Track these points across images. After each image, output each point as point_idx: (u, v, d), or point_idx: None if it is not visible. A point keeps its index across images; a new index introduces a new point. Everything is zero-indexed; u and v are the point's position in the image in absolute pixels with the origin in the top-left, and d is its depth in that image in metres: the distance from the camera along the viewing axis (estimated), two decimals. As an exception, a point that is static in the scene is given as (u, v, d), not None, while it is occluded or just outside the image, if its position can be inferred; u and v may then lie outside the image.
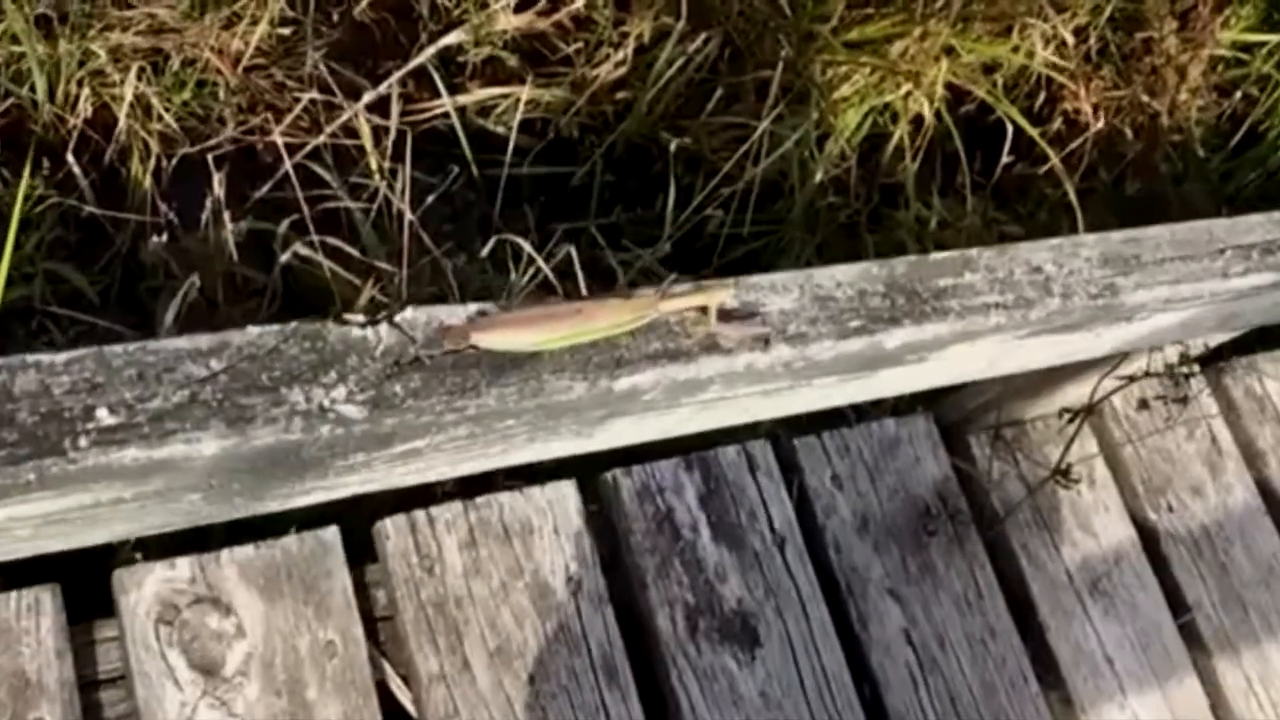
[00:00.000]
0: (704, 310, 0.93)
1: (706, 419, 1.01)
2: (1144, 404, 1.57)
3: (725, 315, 0.94)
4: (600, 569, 1.45)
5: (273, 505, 0.89)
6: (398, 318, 0.84)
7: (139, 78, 1.81)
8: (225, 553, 1.34)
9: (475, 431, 0.88)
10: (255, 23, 1.91)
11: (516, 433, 0.91)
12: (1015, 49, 2.13)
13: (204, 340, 0.79)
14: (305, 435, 0.79)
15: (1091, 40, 2.29)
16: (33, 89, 1.80)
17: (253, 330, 0.80)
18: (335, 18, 2.00)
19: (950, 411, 1.66)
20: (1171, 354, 1.43)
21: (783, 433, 1.60)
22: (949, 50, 2.13)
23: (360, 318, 0.83)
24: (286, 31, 1.96)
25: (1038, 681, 1.57)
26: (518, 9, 2.04)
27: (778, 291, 0.97)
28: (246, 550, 1.34)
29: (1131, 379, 1.49)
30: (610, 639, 1.43)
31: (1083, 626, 1.61)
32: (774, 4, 2.01)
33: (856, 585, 1.55)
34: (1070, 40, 2.17)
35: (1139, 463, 1.72)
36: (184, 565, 1.32)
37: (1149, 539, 1.69)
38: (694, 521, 1.51)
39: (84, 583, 1.34)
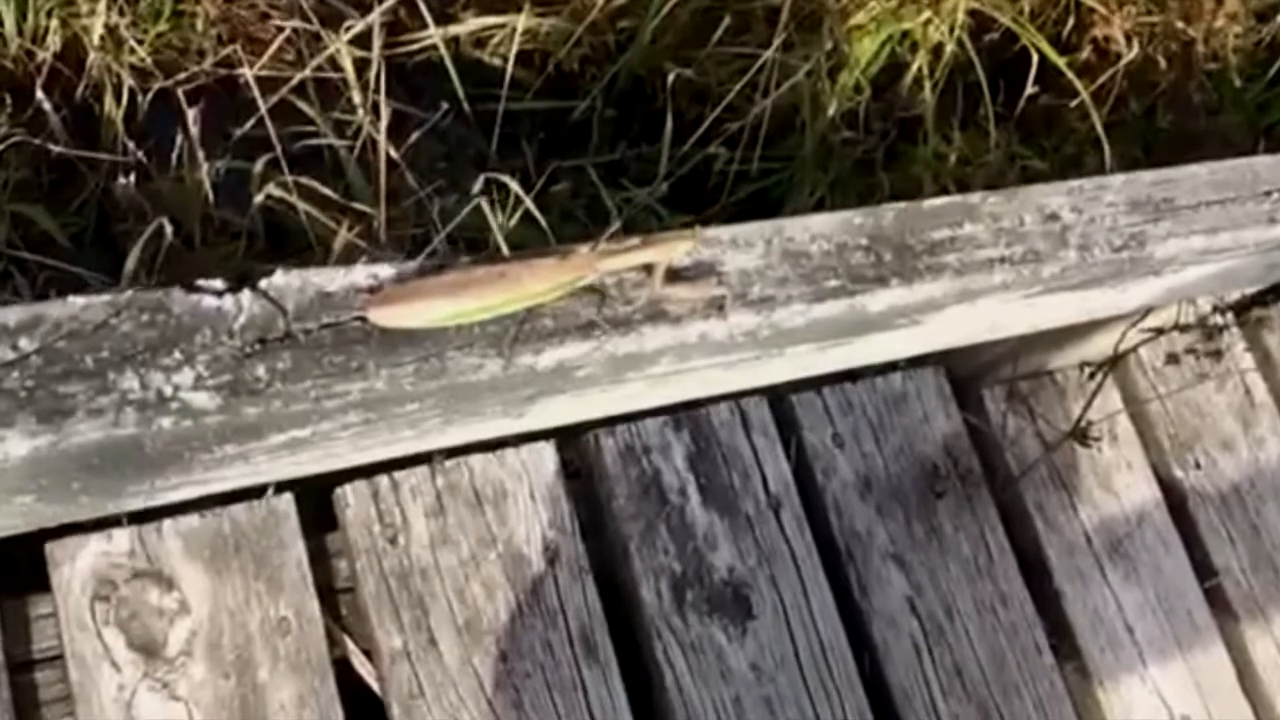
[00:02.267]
0: (650, 270, 0.74)
1: (661, 394, 0.83)
2: (1173, 358, 1.37)
3: (673, 275, 0.75)
4: (580, 536, 1.27)
5: (133, 503, 0.72)
6: (264, 283, 0.66)
7: (110, 7, 1.62)
8: (168, 522, 1.17)
9: (370, 418, 0.70)
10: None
11: (426, 417, 0.73)
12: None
13: (12, 314, 0.61)
14: (140, 430, 0.61)
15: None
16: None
17: (75, 301, 0.62)
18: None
19: (963, 364, 1.46)
20: (1204, 304, 1.22)
21: (780, 388, 1.40)
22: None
23: (217, 284, 0.65)
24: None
25: (1052, 652, 1.38)
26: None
27: (738, 246, 0.77)
28: (191, 520, 1.17)
29: (1160, 331, 1.28)
30: (590, 611, 1.26)
31: (1101, 592, 1.42)
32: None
33: (858, 551, 1.36)
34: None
35: (1165, 417, 1.51)
36: (122, 536, 1.15)
37: (1174, 498, 1.49)
38: (682, 484, 1.32)
39: (20, 554, 1.18)
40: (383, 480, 1.23)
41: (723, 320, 0.75)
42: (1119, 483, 1.47)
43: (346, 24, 1.67)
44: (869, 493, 1.38)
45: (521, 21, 1.76)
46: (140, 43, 1.66)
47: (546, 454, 1.28)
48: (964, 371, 1.45)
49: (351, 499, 1.22)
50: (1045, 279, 0.85)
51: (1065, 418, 1.43)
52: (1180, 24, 2.05)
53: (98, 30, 1.63)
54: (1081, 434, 1.38)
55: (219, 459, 0.69)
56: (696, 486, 1.32)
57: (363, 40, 1.69)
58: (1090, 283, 0.88)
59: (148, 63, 1.66)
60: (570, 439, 1.33)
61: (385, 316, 0.66)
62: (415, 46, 1.74)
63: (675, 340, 0.74)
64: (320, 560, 1.22)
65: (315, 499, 1.24)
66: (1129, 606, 1.43)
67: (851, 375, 1.45)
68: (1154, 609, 1.44)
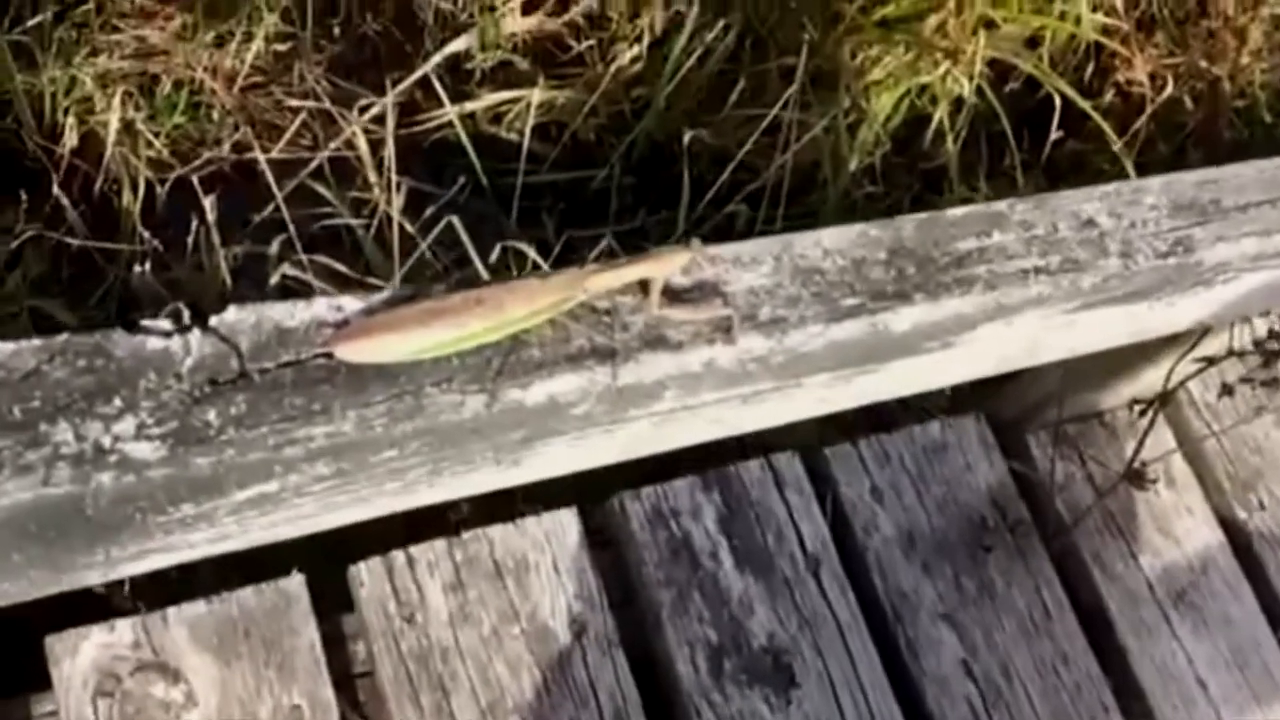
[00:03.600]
0: (646, 289, 0.65)
1: (671, 436, 0.73)
2: (1227, 389, 1.26)
3: (672, 296, 0.67)
4: (608, 608, 1.18)
5: (91, 576, 0.63)
6: (214, 321, 0.58)
7: (124, 104, 1.58)
8: (173, 611, 1.08)
9: (344, 468, 0.61)
10: (249, 40, 1.67)
11: (408, 466, 0.64)
12: (1061, 16, 1.82)
13: (-72, 364, 0.53)
14: (77, 488, 0.53)
15: (1143, 5, 1.97)
16: (17, 121, 1.57)
17: (3, 347, 0.54)
18: (336, 31, 1.75)
19: (1004, 409, 1.36)
20: (1260, 327, 1.11)
21: (811, 442, 1.31)
22: (988, 24, 1.83)
23: (164, 323, 0.57)
24: (284, 48, 1.72)
25: (1121, 713, 1.26)
26: (526, 10, 1.78)
27: (744, 264, 0.69)
28: (197, 607, 1.09)
29: (1211, 361, 1.18)
30: (623, 688, 1.15)
31: (1169, 646, 1.30)
32: (795, -20, 1.73)
33: (905, 611, 1.25)
34: (1119, 4, 1.85)
35: (1223, 455, 1.40)
36: (125, 627, 1.07)
37: (1239, 541, 1.37)
38: (714, 547, 1.22)
39: (20, 651, 1.09)
40: (398, 556, 1.14)
41: (730, 345, 0.66)
42: (1179, 528, 1.35)
43: (361, 103, 1.62)
44: (913, 549, 1.27)
45: (537, 95, 1.70)
46: (156, 135, 1.61)
47: (569, 521, 1.19)
48: (1006, 417, 1.35)
49: (366, 577, 1.13)
50: (1086, 291, 0.75)
51: (1117, 460, 1.32)
52: (1204, 63, 1.97)
53: (114, 125, 1.58)
54: (1135, 476, 1.26)
55: (179, 521, 0.60)
56: (729, 549, 1.22)
57: (379, 120, 1.64)
58: (1135, 295, 0.79)
59: (164, 154, 1.62)
60: (593, 505, 1.24)
61: (352, 351, 0.58)
62: (432, 124, 1.69)
63: (679, 369, 0.66)
64: (335, 644, 1.13)
65: (329, 580, 1.16)
66: (1200, 660, 1.30)
67: (887, 425, 1.36)
68: (1227, 661, 1.31)
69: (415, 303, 0.61)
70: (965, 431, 1.33)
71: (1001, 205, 0.75)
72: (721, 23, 1.71)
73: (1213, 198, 0.81)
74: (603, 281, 0.64)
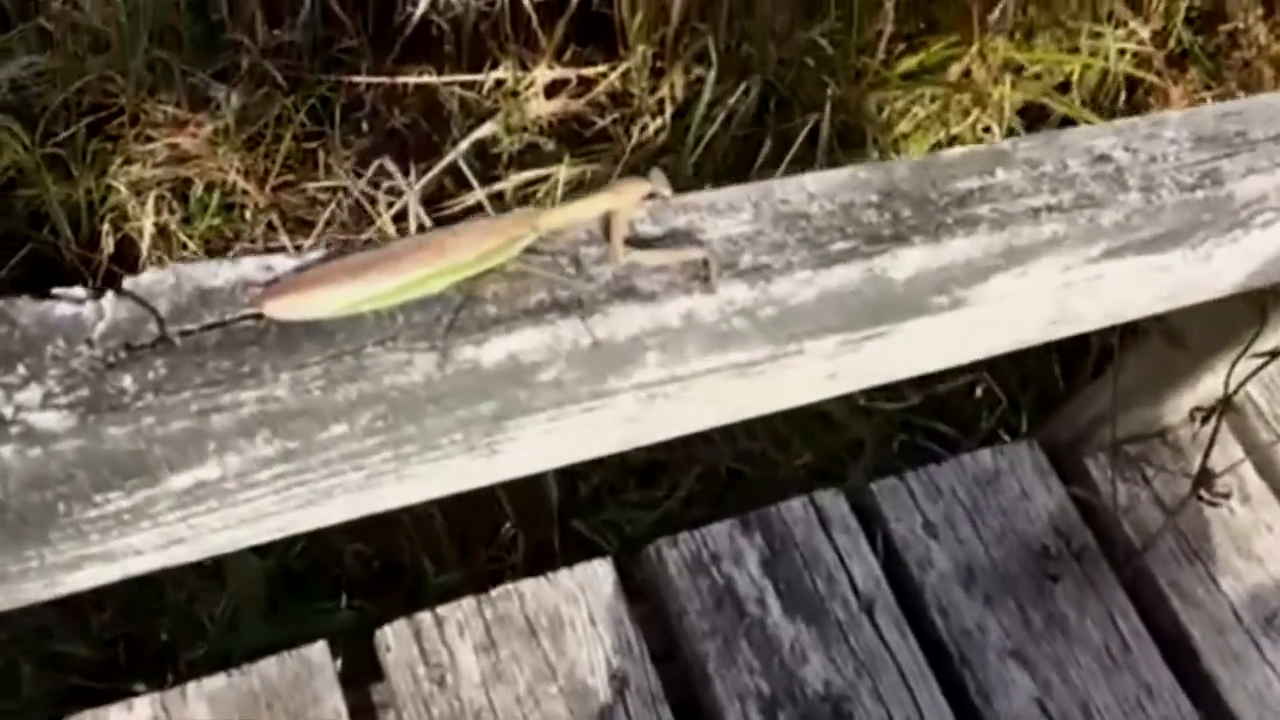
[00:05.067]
0: (609, 227, 0.58)
1: (665, 418, 0.66)
2: (1293, 388, 1.16)
3: (640, 243, 0.60)
4: (650, 661, 1.08)
5: (31, 589, 0.56)
6: (129, 283, 0.52)
7: (159, 209, 1.56)
8: (192, 686, 1.01)
9: (290, 448, 0.54)
10: (279, 140, 1.66)
11: (366, 450, 0.57)
12: (1094, 54, 1.76)
13: None
14: (-25, 462, 0.47)
15: (1171, 43, 1.90)
16: (54, 231, 1.56)
17: (-105, 315, 0.48)
18: (364, 126, 1.73)
19: (1058, 432, 1.26)
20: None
21: (856, 478, 1.22)
22: (1016, 69, 1.77)
23: (77, 291, 0.51)
24: (313, 145, 1.70)
25: (1217, 747, 1.14)
26: (549, 94, 1.75)
27: (720, 211, 0.62)
28: (217, 681, 1.01)
29: (1273, 354, 1.07)
30: (670, 745, 1.05)
31: (1262, 673, 1.17)
32: (813, 43, 1.68)
33: (971, 651, 1.14)
34: (1146, 37, 1.78)
35: (1300, 467, 1.28)
36: (143, 705, 1.00)
37: (1329, 558, 1.24)
38: (760, 593, 1.13)
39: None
40: (425, 617, 1.07)
41: (709, 294, 0.59)
42: (1260, 547, 1.23)
43: (388, 186, 1.59)
44: (973, 583, 1.16)
45: (563, 171, 1.66)
46: (191, 236, 1.59)
47: (604, 572, 1.11)
48: (1061, 441, 1.25)
49: (392, 641, 1.05)
50: (1108, 230, 0.67)
51: (1184, 478, 1.21)
52: (1241, 94, 1.89)
53: (148, 230, 1.57)
54: (1205, 492, 1.15)
55: (113, 517, 0.54)
56: (776, 594, 1.12)
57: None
58: (1164, 239, 0.70)
59: (199, 254, 1.60)
60: (629, 554, 1.15)
61: (282, 308, 0.52)
62: (459, 208, 1.65)
63: (654, 324, 0.58)
64: (363, 714, 1.05)
65: (355, 646, 1.08)
66: (1298, 686, 1.17)
67: (935, 456, 1.26)
68: (1328, 687, 1.18)
69: (352, 254, 0.55)
70: (1019, 458, 1.23)
71: (1004, 144, 0.68)
72: (742, 85, 1.67)
73: (1239, 129, 0.72)
74: (556, 219, 0.57)
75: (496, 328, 0.56)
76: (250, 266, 0.53)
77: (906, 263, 0.63)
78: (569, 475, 1.44)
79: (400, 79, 1.69)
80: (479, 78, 1.70)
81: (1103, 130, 0.70)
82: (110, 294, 0.51)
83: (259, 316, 0.53)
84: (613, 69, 1.69)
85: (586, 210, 0.57)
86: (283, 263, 0.54)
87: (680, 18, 1.62)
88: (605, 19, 1.71)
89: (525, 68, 1.70)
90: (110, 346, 0.50)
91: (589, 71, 1.70)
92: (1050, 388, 1.51)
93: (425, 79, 1.69)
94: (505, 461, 0.64)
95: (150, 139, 1.61)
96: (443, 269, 0.54)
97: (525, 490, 1.41)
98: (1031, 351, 1.54)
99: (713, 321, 0.60)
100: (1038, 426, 1.28)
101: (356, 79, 1.68)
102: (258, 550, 1.35)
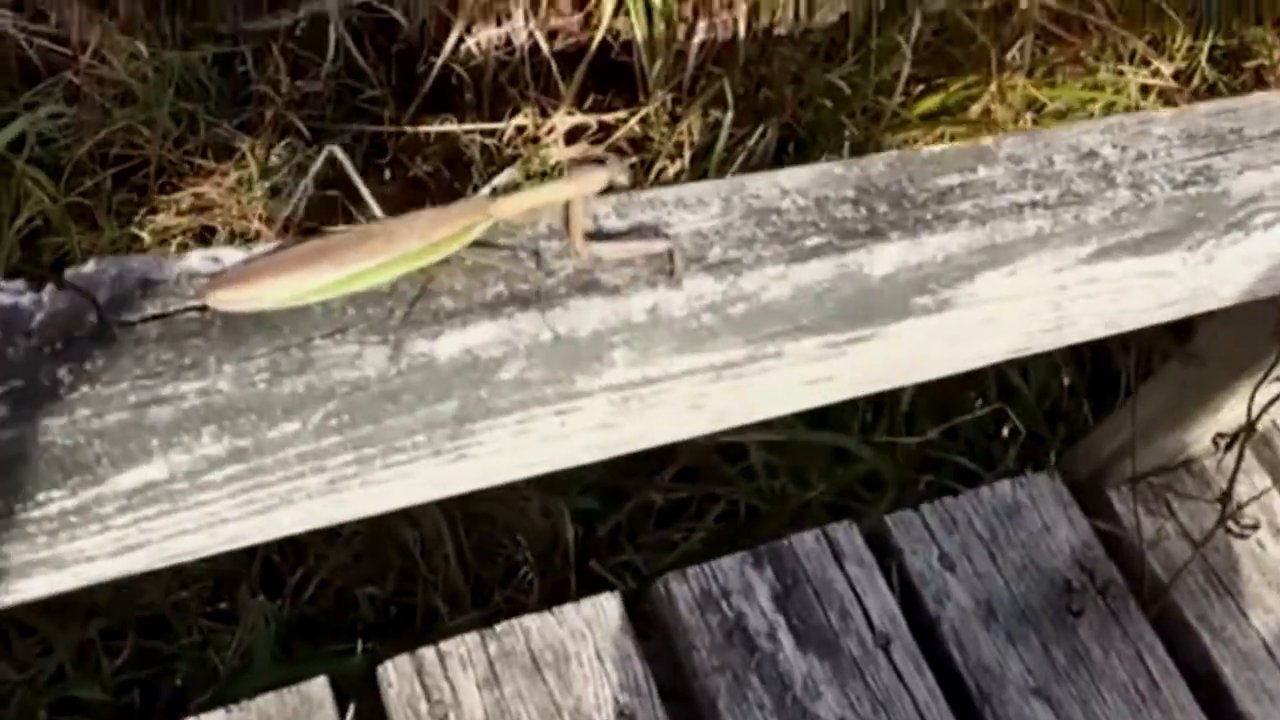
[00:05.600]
0: (568, 217, 0.56)
1: (642, 423, 0.63)
2: (1320, 413, 1.11)
3: (604, 237, 0.58)
4: (659, 698, 1.05)
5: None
6: (70, 273, 0.50)
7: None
8: (189, 720, 0.99)
9: (240, 447, 0.53)
10: (267, 173, 1.66)
11: (324, 451, 0.55)
12: (1117, 91, 1.73)
13: None
14: (-96, 451, 0.45)
15: (1195, 81, 1.87)
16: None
17: None
18: (386, 174, 1.73)
19: (1080, 464, 1.22)
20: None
21: (869, 511, 1.18)
22: (1037, 108, 1.74)
23: (17, 282, 0.50)
24: (335, 193, 1.70)
25: (1253, 789, 1.08)
26: (569, 139, 1.75)
27: (689, 206, 0.60)
28: (214, 717, 0.99)
29: (1295, 378, 1.03)
30: (678, 784, 1.02)
31: (1300, 712, 1.11)
32: (830, 85, 1.67)
33: (991, 688, 1.09)
34: (1170, 75, 1.76)
35: (1333, 499, 1.23)
36: (140, 740, 0.98)
37: (1367, 593, 1.19)
38: (771, 628, 1.09)
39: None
40: (428, 653, 1.04)
41: (676, 288, 0.57)
42: (1293, 580, 1.18)
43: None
44: (993, 619, 1.12)
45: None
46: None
47: (610, 607, 1.08)
48: (1083, 472, 1.21)
49: (394, 677, 1.02)
50: (1096, 228, 0.64)
51: (1210, 509, 1.16)
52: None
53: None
54: (1233, 522, 1.11)
55: (56, 518, 0.52)
56: (788, 629, 1.09)
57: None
58: (1159, 238, 0.67)
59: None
60: (637, 590, 1.12)
61: (226, 298, 0.50)
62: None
63: (618, 319, 0.56)
64: (366, 751, 1.02)
65: (365, 689, 1.05)
66: (1337, 726, 1.11)
67: (952, 489, 1.22)
68: (1369, 727, 1.12)
69: (299, 245, 0.53)
70: (1039, 490, 1.19)
71: (987, 141, 0.65)
72: (760, 128, 1.65)
73: (1233, 126, 0.69)
74: (510, 206, 0.55)
75: (451, 321, 0.54)
76: (195, 259, 0.52)
77: (883, 258, 0.60)
78: (587, 516, 1.41)
79: (422, 128, 1.70)
80: (500, 125, 1.70)
81: (1089, 127, 0.67)
82: (50, 285, 0.50)
83: (204, 309, 0.51)
84: (632, 114, 1.69)
85: (542, 197, 0.56)
86: (230, 254, 0.53)
87: (697, 62, 1.61)
88: (624, 66, 1.70)
89: (545, 114, 1.69)
90: (48, 337, 0.49)
91: (609, 117, 1.69)
92: (1076, 421, 1.47)
93: (447, 127, 1.69)
94: (475, 468, 0.61)
95: (175, 188, 1.61)
96: (393, 258, 0.52)
97: (542, 531, 1.39)
98: (1055, 383, 1.51)
99: (681, 317, 0.58)
100: (1059, 458, 1.23)
101: (379, 128, 1.68)
102: (270, 593, 1.33)
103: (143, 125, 1.56)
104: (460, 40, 1.66)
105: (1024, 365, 1.51)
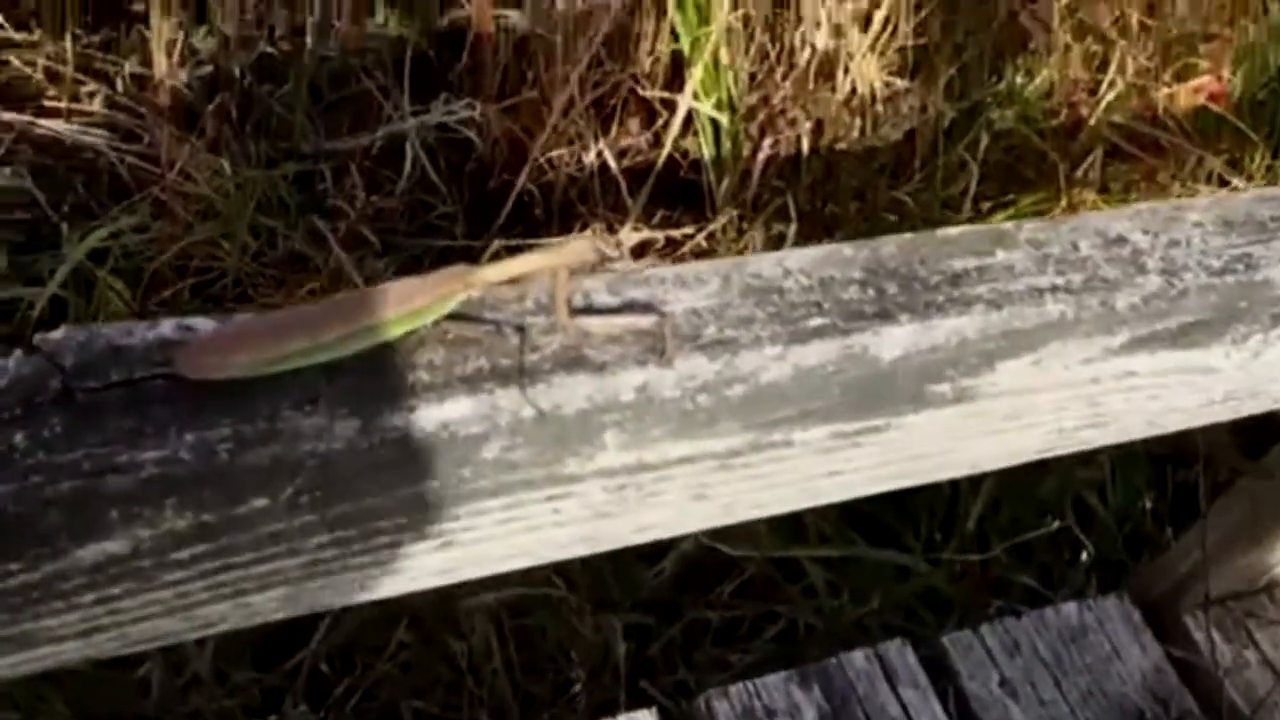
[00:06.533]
0: (553, 290, 0.54)
1: (643, 514, 0.60)
2: None
3: (594, 312, 0.55)
4: (696, 821, 0.99)
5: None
6: (38, 339, 0.49)
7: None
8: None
9: (208, 522, 0.50)
10: (336, 280, 1.67)
11: (297, 530, 0.53)
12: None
13: None
14: None
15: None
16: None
17: None
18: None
19: (1152, 586, 1.14)
20: None
21: (924, 630, 1.12)
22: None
23: (-13, 348, 0.49)
24: (382, 264, 1.72)
25: None
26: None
27: (685, 284, 0.57)
28: (236, 821, 0.95)
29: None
30: None
31: None
32: (896, 201, 1.65)
33: (1055, 824, 1.01)
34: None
35: None
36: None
37: None
38: (817, 751, 1.03)
39: None
40: (457, 764, 0.99)
41: (666, 367, 0.54)
42: (1390, 717, 1.08)
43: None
44: (1058, 749, 1.04)
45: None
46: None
47: (648, 723, 1.02)
48: (1155, 594, 1.13)
49: (421, 788, 0.98)
50: (1124, 315, 0.60)
51: (1295, 636, 1.08)
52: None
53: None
54: (1319, 651, 1.02)
55: (18, 592, 0.50)
56: (835, 752, 1.02)
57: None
58: (1197, 329, 0.62)
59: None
60: (677, 704, 1.06)
61: (195, 366, 0.49)
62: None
63: (605, 397, 0.53)
64: None
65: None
66: None
67: (1015, 610, 1.15)
68: None
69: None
70: (1108, 613, 1.12)
71: (1006, 225, 0.62)
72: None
73: (1274, 214, 0.65)
74: (490, 275, 0.53)
75: (427, 394, 0.51)
76: (167, 327, 0.50)
77: (891, 341, 0.57)
78: (640, 631, 1.37)
79: (492, 242, 1.71)
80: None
81: (1117, 214, 0.64)
82: (18, 351, 0.48)
83: (172, 377, 0.49)
84: (699, 230, 1.68)
85: (524, 266, 0.54)
86: (203, 323, 0.51)
87: (761, 178, 1.60)
88: (691, 182, 1.70)
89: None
90: (8, 402, 0.47)
91: (676, 233, 1.68)
92: (1155, 542, 1.38)
93: (516, 241, 1.70)
94: (463, 555, 0.58)
95: (249, 299, 1.64)
96: (368, 326, 0.50)
97: (593, 645, 1.34)
98: (1126, 498, 1.43)
99: (674, 398, 0.55)
100: (1128, 579, 1.16)
101: (450, 243, 1.70)
102: (315, 704, 1.30)
103: (222, 238, 1.59)
104: (532, 159, 1.68)
105: (1100, 483, 1.43)
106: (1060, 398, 0.64)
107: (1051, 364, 0.61)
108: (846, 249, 0.59)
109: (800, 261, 0.58)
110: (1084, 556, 1.38)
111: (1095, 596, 1.13)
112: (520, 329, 0.54)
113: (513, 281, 0.54)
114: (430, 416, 0.51)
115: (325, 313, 0.51)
